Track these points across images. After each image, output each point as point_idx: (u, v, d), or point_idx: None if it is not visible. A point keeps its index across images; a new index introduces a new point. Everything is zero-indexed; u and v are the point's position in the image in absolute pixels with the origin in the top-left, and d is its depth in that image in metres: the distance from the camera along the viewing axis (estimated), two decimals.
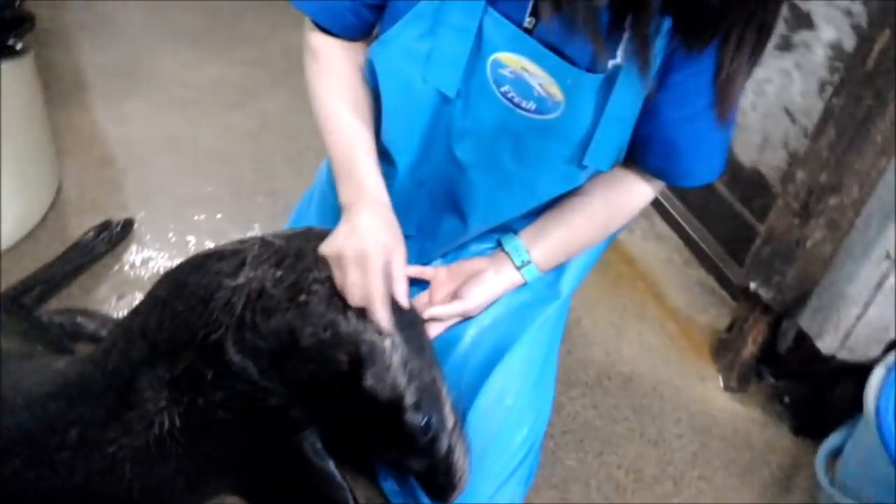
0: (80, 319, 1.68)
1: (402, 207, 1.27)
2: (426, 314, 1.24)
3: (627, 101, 1.04)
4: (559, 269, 1.33)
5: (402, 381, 1.07)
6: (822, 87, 1.66)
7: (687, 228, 2.14)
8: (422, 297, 1.29)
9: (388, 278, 1.06)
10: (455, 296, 1.26)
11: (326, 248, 1.08)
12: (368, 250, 1.04)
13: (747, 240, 1.93)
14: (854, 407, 1.56)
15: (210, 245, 2.03)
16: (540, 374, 1.36)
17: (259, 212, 2.15)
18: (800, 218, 1.47)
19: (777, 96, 1.79)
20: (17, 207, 1.94)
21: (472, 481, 1.29)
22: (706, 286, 2.07)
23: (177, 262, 1.98)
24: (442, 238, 1.30)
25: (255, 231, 2.09)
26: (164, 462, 1.11)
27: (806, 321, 1.57)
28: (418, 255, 1.34)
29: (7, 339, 1.46)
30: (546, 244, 1.25)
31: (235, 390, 1.07)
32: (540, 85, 1.04)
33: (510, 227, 1.28)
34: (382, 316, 1.04)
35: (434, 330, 1.25)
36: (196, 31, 2.96)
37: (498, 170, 1.14)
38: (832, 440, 1.52)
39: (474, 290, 1.25)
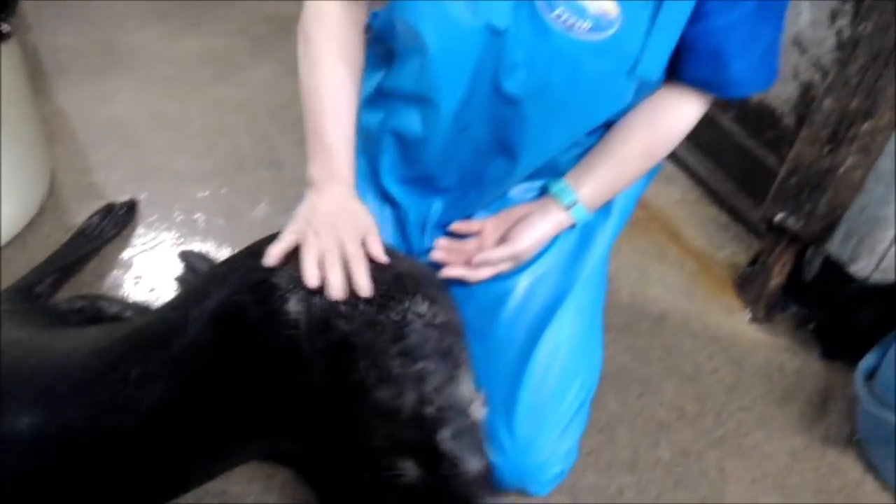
0: (100, 303, 1.63)
1: (443, 158, 1.25)
2: (476, 259, 1.23)
3: (680, 5, 1.03)
4: (604, 213, 1.33)
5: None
6: (832, 16, 1.67)
7: (695, 167, 2.15)
8: (471, 244, 1.28)
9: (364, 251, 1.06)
10: (503, 239, 1.26)
11: (294, 221, 1.09)
12: (341, 220, 1.08)
13: (759, 174, 1.95)
14: (883, 326, 1.60)
15: (221, 223, 1.98)
16: (591, 324, 1.36)
17: (264, 184, 2.11)
18: (829, 146, 1.49)
19: (785, 28, 1.79)
20: (15, 197, 1.87)
21: (536, 433, 1.30)
22: (720, 223, 2.09)
23: (187, 240, 1.96)
24: (487, 183, 1.27)
25: (264, 205, 2.05)
26: (204, 406, 1.11)
27: (836, 248, 1.59)
28: (461, 205, 1.32)
29: (28, 330, 1.42)
30: (592, 182, 1.24)
31: (277, 343, 1.02)
32: (594, 3, 1.02)
33: (557, 168, 1.27)
34: (363, 275, 1.02)
35: (484, 273, 1.25)
36: (169, 4, 2.87)
37: (551, 99, 1.11)
38: (868, 360, 1.55)
39: (523, 232, 1.24)
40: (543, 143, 1.18)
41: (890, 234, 1.47)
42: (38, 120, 2.01)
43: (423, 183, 1.32)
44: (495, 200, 1.32)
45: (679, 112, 1.20)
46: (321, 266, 1.03)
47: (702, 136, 2.14)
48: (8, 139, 1.79)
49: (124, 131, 2.27)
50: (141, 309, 1.65)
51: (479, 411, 1.02)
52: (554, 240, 1.30)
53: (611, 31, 1.04)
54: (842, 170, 1.49)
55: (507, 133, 1.18)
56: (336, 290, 1.00)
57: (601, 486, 1.47)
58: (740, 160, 2.03)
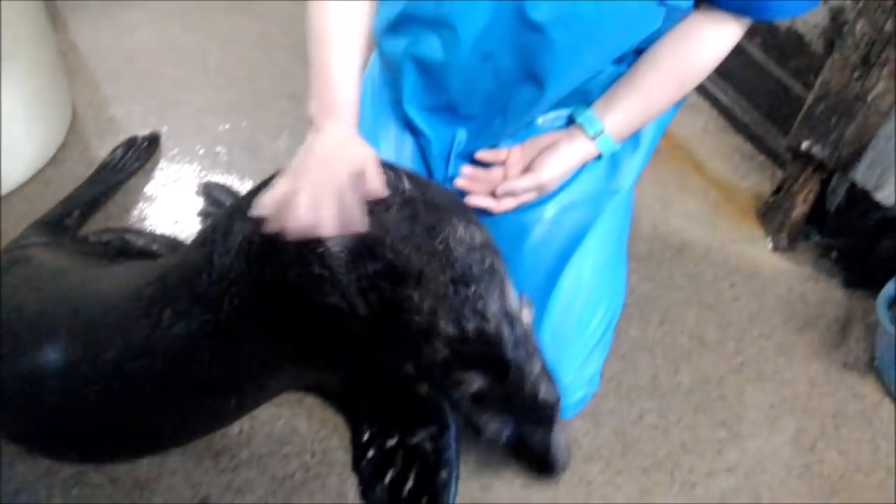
0: (128, 236, 1.66)
1: (466, 86, 1.23)
2: (499, 189, 1.23)
3: None
4: (633, 143, 1.32)
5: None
6: None
7: (720, 96, 2.12)
8: (496, 173, 1.28)
9: (360, 187, 1.00)
10: (528, 169, 1.25)
11: (290, 165, 1.03)
12: (335, 158, 1.01)
13: (785, 102, 1.92)
14: None
15: (242, 155, 1.99)
16: (616, 253, 1.37)
17: (285, 116, 2.10)
18: (859, 71, 1.46)
19: None
20: (38, 132, 1.88)
21: (560, 360, 1.31)
22: (744, 152, 2.07)
23: (209, 173, 1.97)
24: (513, 111, 1.25)
25: (285, 137, 2.05)
26: (235, 339, 1.12)
27: (861, 176, 1.58)
28: (486, 134, 1.31)
29: (69, 258, 1.45)
30: (619, 112, 1.23)
31: (312, 275, 1.02)
32: None
33: (587, 95, 1.25)
34: (354, 210, 0.97)
35: (508, 204, 1.24)
36: None
37: (579, 25, 1.08)
38: (891, 287, 1.56)
39: (548, 161, 1.23)
40: (571, 70, 1.16)
41: None
42: (58, 54, 2.01)
43: (447, 111, 1.31)
44: (522, 129, 1.31)
45: (712, 39, 1.16)
46: (314, 206, 0.97)
47: (727, 64, 2.08)
48: (28, 73, 1.79)
49: (142, 65, 2.26)
50: (167, 241, 1.67)
51: (528, 316, 1.06)
52: (581, 169, 1.29)
53: None
54: (871, 96, 1.47)
55: (533, 61, 1.16)
56: (328, 227, 0.96)
57: (622, 410, 1.50)
58: (766, 88, 2.00)
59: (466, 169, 1.28)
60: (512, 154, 1.27)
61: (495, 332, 1.00)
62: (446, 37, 1.17)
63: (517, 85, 1.21)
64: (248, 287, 1.07)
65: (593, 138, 1.23)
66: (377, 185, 1.02)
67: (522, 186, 1.23)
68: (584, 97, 1.24)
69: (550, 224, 1.31)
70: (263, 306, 1.08)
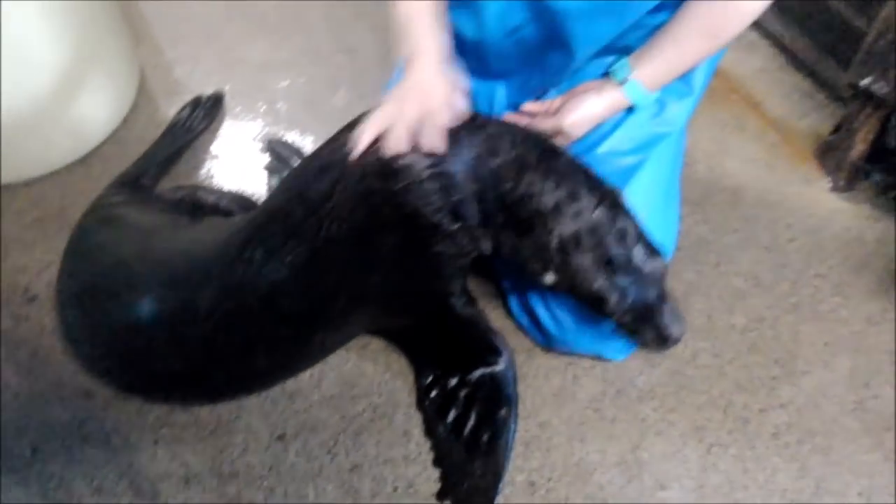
0: (199, 193, 1.74)
1: (498, 56, 1.32)
2: None
3: None
4: (683, 85, 1.33)
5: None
6: None
7: (779, 34, 2.07)
8: (535, 119, 1.33)
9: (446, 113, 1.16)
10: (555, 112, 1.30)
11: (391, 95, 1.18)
12: (412, 95, 1.15)
13: (846, 37, 1.87)
14: None
15: (302, 111, 2.05)
16: (666, 195, 1.39)
17: (342, 71, 2.15)
18: None
19: None
20: (109, 96, 1.97)
21: None
22: (804, 91, 2.03)
23: (272, 130, 2.04)
24: (549, 71, 1.32)
25: (343, 92, 2.10)
26: (327, 270, 1.22)
27: None
28: (527, 89, 1.37)
29: (154, 216, 1.55)
30: (652, 61, 1.25)
31: (416, 187, 1.14)
32: None
33: (627, 48, 1.27)
34: (432, 134, 1.14)
35: None
36: None
37: None
38: None
39: (573, 106, 1.28)
40: (594, 33, 1.21)
41: None
42: (124, 19, 2.08)
43: (484, 71, 1.36)
44: (565, 81, 1.35)
45: None
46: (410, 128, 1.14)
47: (786, 1, 2.06)
48: (98, 42, 1.87)
49: (202, 24, 2.33)
50: (235, 198, 1.75)
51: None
52: (626, 115, 1.32)
53: None
54: None
55: (554, 30, 1.22)
56: (396, 144, 1.13)
57: (676, 350, 1.51)
58: (826, 23, 1.94)
59: (508, 116, 1.33)
60: (553, 104, 1.32)
61: (612, 201, 1.17)
62: (473, 14, 1.26)
63: (547, 51, 1.28)
64: (348, 208, 1.17)
65: (620, 84, 1.26)
66: (433, 137, 1.13)
67: (543, 128, 1.28)
68: (624, 51, 1.27)
69: (600, 166, 1.34)
70: (361, 229, 1.18)
